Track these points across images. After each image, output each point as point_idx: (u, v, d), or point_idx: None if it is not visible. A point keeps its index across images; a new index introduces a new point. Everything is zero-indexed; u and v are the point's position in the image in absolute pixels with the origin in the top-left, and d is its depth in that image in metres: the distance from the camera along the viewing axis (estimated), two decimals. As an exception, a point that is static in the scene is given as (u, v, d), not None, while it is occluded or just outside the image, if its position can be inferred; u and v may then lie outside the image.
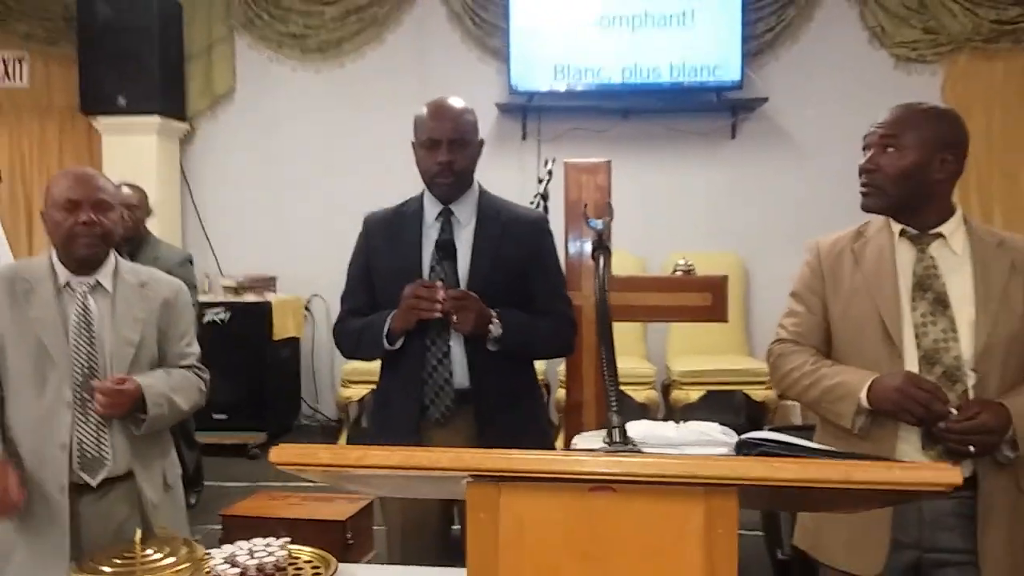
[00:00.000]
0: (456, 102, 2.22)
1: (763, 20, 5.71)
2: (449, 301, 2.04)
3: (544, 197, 3.22)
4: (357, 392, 5.38)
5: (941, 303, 1.75)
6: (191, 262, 4.14)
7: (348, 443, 5.46)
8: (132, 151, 5.51)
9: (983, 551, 1.70)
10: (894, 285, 1.78)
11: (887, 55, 5.70)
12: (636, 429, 0.94)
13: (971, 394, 1.70)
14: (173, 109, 5.80)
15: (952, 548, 1.73)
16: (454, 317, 2.05)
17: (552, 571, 0.91)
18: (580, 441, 0.96)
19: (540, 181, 3.29)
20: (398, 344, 2.17)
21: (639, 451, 0.90)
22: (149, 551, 1.88)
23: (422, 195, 2.30)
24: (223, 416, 5.09)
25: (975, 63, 5.64)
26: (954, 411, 1.63)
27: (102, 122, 5.72)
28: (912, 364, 1.73)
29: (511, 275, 2.19)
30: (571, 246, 2.91)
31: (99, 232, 2.11)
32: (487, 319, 2.09)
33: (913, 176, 1.77)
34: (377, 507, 2.56)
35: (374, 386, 5.71)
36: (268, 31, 5.96)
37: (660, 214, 5.62)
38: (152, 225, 4.12)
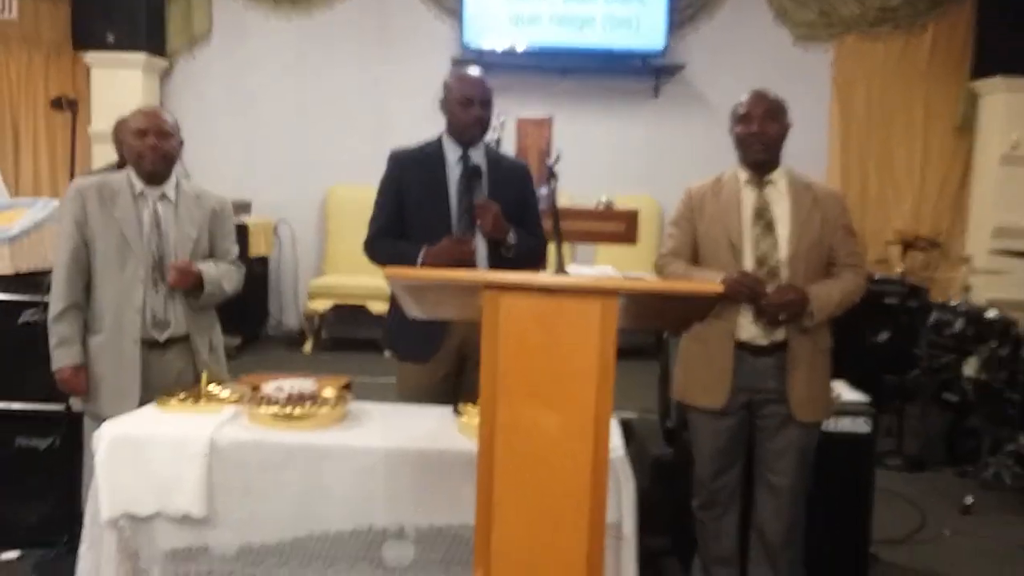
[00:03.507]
0: (476, 70, 2.94)
1: (685, -3, 6.55)
2: (478, 208, 2.74)
3: (498, 143, 4.03)
4: (323, 304, 6.12)
5: (769, 227, 2.64)
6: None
7: (313, 352, 6.25)
8: (118, 85, 6.06)
9: (790, 388, 2.62)
10: (740, 215, 2.66)
11: (788, 33, 6.62)
12: (571, 269, 1.77)
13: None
14: (155, 47, 6.37)
15: (771, 389, 2.64)
16: (479, 221, 2.75)
17: (528, 336, 1.72)
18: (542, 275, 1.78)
19: (493, 130, 4.10)
20: None
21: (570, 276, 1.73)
22: (211, 387, 2.62)
23: (439, 140, 2.89)
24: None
25: (861, 44, 6.59)
26: (769, 291, 2.53)
27: (91, 57, 6.23)
28: (750, 265, 2.62)
29: (513, 205, 2.88)
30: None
31: (161, 154, 2.79)
32: (505, 227, 2.74)
33: (780, 140, 2.66)
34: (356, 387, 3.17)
35: (339, 300, 6.62)
36: (244, -20, 6.55)
37: (592, 160, 6.41)
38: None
